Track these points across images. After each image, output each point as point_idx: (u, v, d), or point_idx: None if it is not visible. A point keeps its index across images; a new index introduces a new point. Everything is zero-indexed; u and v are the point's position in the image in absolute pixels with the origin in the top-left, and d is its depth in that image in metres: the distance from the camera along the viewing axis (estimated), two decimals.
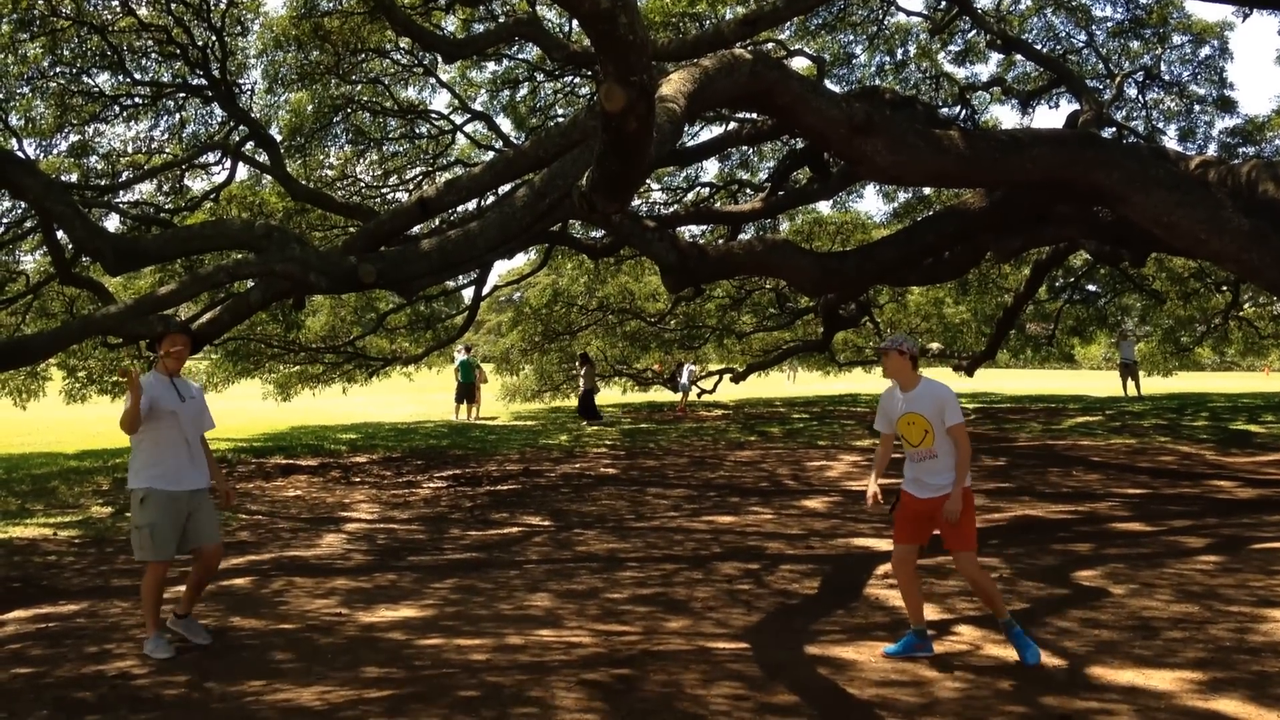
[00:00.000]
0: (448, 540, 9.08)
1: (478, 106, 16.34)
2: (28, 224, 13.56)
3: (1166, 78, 17.24)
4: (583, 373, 23.05)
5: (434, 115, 16.21)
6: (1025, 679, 4.89)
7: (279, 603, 6.84)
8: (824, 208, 20.79)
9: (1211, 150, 16.94)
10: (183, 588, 6.00)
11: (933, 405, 5.47)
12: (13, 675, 5.25)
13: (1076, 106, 12.88)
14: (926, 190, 18.19)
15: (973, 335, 24.95)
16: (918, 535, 5.54)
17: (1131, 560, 7.59)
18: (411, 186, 16.56)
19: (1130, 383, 26.58)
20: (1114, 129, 15.36)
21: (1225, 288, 22.42)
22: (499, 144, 15.56)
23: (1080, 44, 16.94)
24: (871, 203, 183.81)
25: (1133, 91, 17.21)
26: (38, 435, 19.83)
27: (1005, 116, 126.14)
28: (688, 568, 7.71)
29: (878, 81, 16.45)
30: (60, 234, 11.01)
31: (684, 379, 26.36)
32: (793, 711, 4.50)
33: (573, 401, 27.48)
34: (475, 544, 8.89)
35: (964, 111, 16.33)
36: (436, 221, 13.04)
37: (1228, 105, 17.21)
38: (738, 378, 26.52)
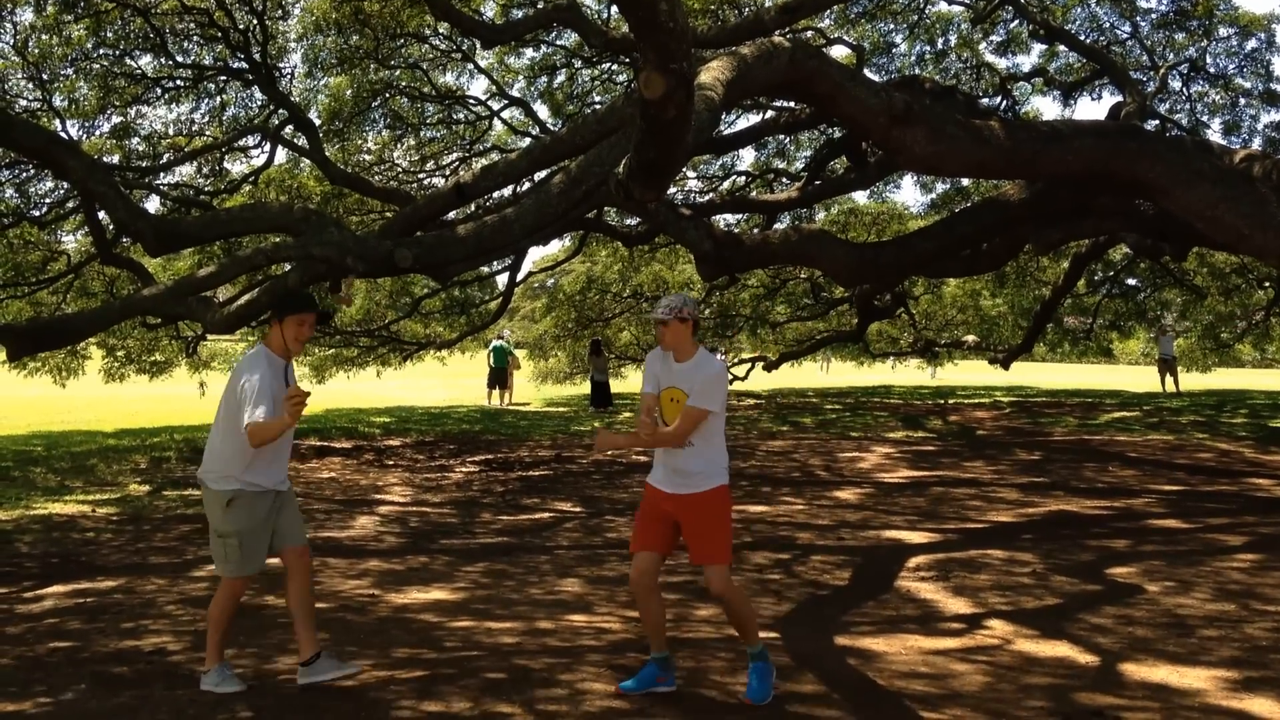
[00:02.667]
0: (479, 524, 9.13)
1: (515, 93, 16.36)
2: (70, 204, 13.71)
3: (1211, 70, 16.97)
4: (594, 361, 23.03)
5: (471, 101, 16.23)
6: (1056, 674, 4.86)
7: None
8: (860, 198, 20.66)
9: (1256, 144, 16.67)
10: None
11: (693, 383, 4.64)
12: (51, 649, 5.33)
13: (1119, 98, 12.72)
14: (965, 181, 18.03)
15: (1009, 328, 24.71)
16: (661, 541, 4.66)
17: (1167, 557, 7.52)
18: (448, 172, 16.59)
19: (1169, 378, 26.27)
20: (1157, 121, 15.15)
21: (1268, 284, 22.08)
22: (536, 130, 15.57)
23: (1124, 35, 16.70)
24: (909, 193, 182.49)
25: (1177, 84, 16.95)
26: (77, 413, 20.12)
27: (1047, 108, 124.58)
28: None
29: (918, 71, 16.31)
30: (102, 215, 11.12)
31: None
32: (820, 701, 4.50)
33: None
34: (506, 529, 8.93)
35: (1005, 102, 16.15)
36: (473, 207, 13.06)
37: (1274, 99, 16.91)
38: (770, 367, 26.44)
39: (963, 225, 10.77)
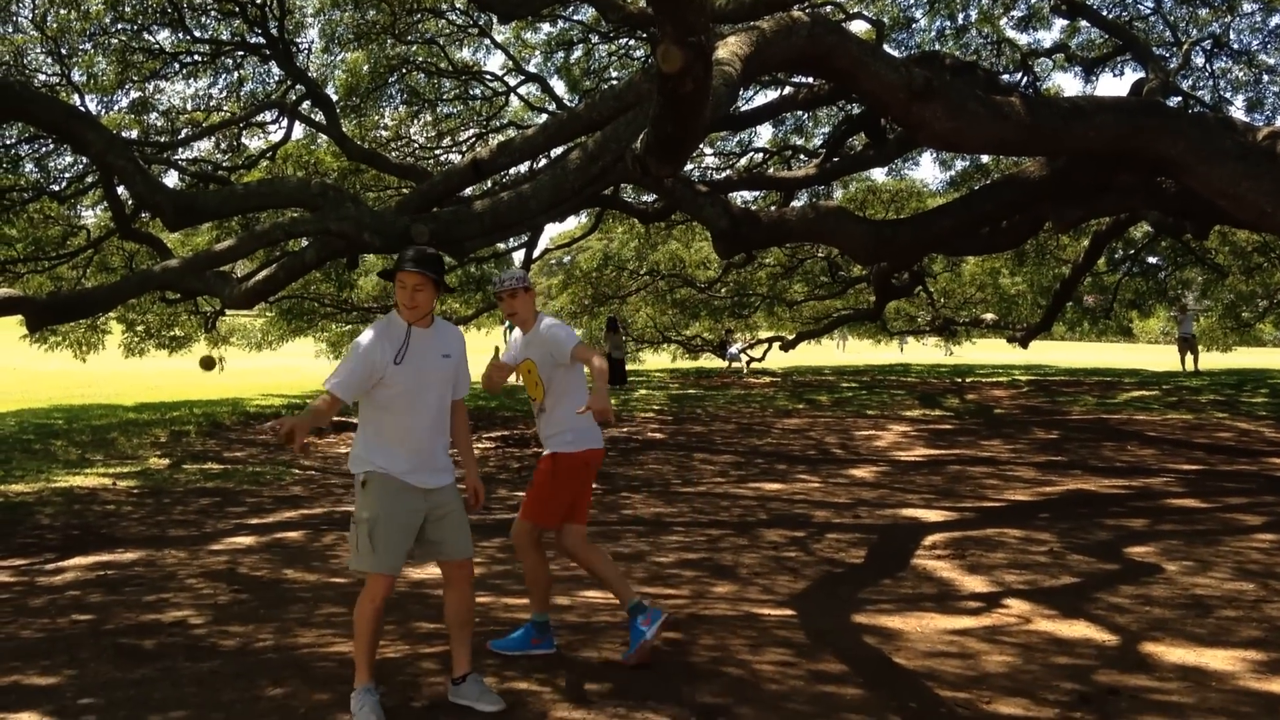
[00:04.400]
0: (495, 500, 9.15)
1: (532, 68, 16.29)
2: (89, 179, 13.75)
3: (1235, 46, 16.75)
4: (610, 339, 23.02)
5: (488, 77, 16.17)
6: (1075, 653, 4.85)
7: (331, 557, 6.95)
8: (879, 175, 20.54)
9: None
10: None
11: (541, 350, 4.82)
12: (73, 621, 5.38)
13: (1142, 74, 12.57)
14: (985, 158, 17.88)
15: (1028, 307, 24.60)
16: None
17: (1186, 537, 7.48)
18: (465, 148, 16.56)
19: (1189, 357, 26.13)
20: (1180, 98, 14.98)
21: None
22: (552, 106, 15.51)
23: (1147, 10, 16.49)
24: (928, 170, 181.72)
25: (1200, 60, 16.74)
26: (97, 387, 20.25)
27: (1068, 84, 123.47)
28: (734, 534, 7.72)
29: (938, 46, 16.16)
30: (121, 189, 11.16)
31: (734, 348, 26.28)
32: (840, 679, 4.50)
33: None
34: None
35: (1026, 78, 15.99)
36: (489, 183, 13.04)
37: None
38: (787, 346, 26.41)
39: (982, 203, 10.69)
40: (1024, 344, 22.72)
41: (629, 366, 27.72)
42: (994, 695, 4.29)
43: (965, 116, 8.04)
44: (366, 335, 4.17)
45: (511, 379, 5.08)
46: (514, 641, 4.83)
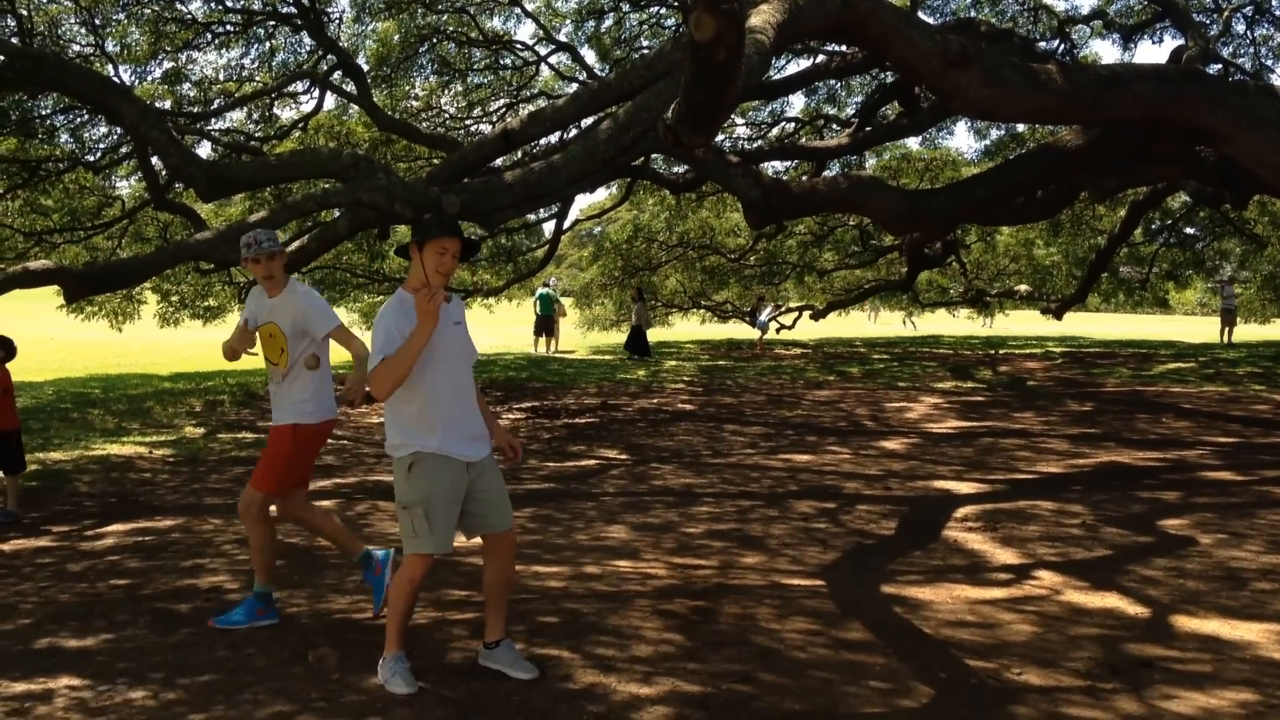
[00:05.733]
0: (526, 470, 9.20)
1: (562, 37, 16.21)
2: (123, 150, 13.86)
3: (1277, 12, 16.42)
4: (635, 308, 23.00)
5: (518, 46, 16.12)
6: (1105, 625, 4.83)
7: (364, 525, 7.01)
8: (913, 143, 20.32)
9: None
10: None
11: (289, 315, 4.78)
12: (112, 586, 5.47)
13: (1181, 41, 12.35)
14: (1020, 127, 17.66)
15: (1063, 278, 24.35)
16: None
17: (1221, 509, 7.42)
18: (495, 118, 16.55)
19: (1228, 330, 25.88)
20: (1220, 66, 14.71)
21: None
22: (583, 76, 15.45)
23: None
24: (962, 139, 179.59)
25: (1241, 27, 16.42)
26: (133, 357, 20.49)
27: (1106, 51, 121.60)
28: (764, 505, 7.73)
29: (973, 13, 15.93)
30: (155, 160, 11.24)
31: (763, 316, 26.20)
32: (866, 648, 4.51)
33: (649, 335, 27.50)
34: (553, 475, 8.99)
35: (1063, 46, 15.75)
36: (519, 154, 13.03)
37: None
38: (817, 315, 26.29)
39: (1017, 172, 10.57)
40: (1058, 316, 22.50)
41: (654, 338, 27.72)
42: (1023, 666, 4.29)
43: (1001, 84, 7.93)
44: (384, 317, 4.06)
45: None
46: (239, 616, 4.75)
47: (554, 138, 13.12)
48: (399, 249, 4.32)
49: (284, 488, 4.89)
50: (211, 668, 4.23)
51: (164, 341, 23.36)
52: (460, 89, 16.71)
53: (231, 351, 4.97)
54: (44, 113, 12.90)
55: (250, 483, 4.83)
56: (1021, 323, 39.52)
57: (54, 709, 3.83)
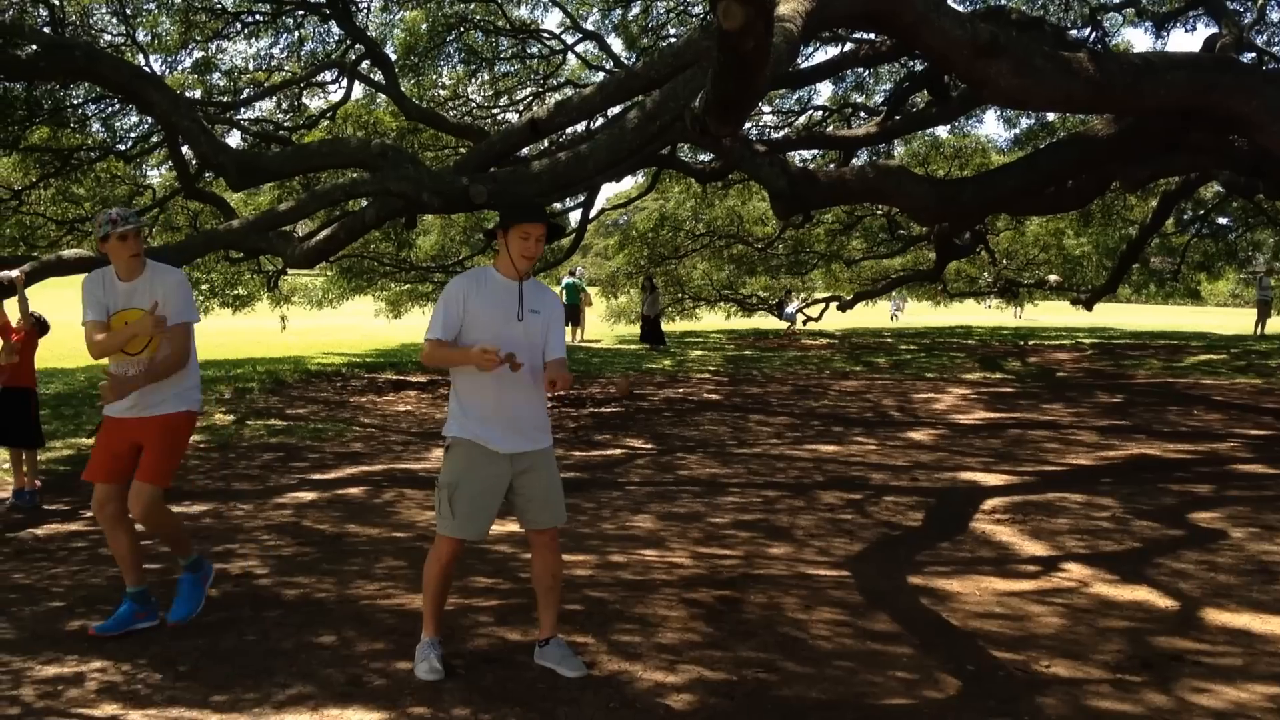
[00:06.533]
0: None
1: (589, 26, 16.20)
2: (154, 139, 13.96)
3: None
4: (647, 299, 22.95)
5: (545, 35, 16.12)
6: (1135, 618, 4.79)
7: (391, 512, 7.05)
8: (941, 131, 20.18)
9: None
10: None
11: (160, 299, 4.45)
12: (144, 570, 5.52)
13: (1215, 30, 12.21)
14: (1051, 116, 17.51)
15: (1093, 268, 24.16)
16: (120, 471, 4.52)
17: (1253, 503, 7.34)
18: (522, 107, 16.55)
19: (1263, 321, 25.68)
20: (1254, 54, 14.52)
21: None
22: (610, 65, 15.43)
23: None
24: (992, 128, 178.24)
25: (1276, 14, 16.19)
26: None
27: (1138, 40, 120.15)
28: (789, 495, 7.71)
29: (1004, 1, 15.80)
30: (185, 149, 11.32)
31: (790, 308, 26.14)
32: (893, 639, 4.49)
33: (675, 326, 27.51)
34: (578, 464, 9.01)
35: (1094, 34, 15.57)
36: (546, 143, 13.03)
37: None
38: (845, 306, 26.19)
39: (1047, 161, 10.48)
40: (1088, 306, 22.34)
41: (679, 329, 27.69)
42: (1051, 658, 4.27)
43: (1032, 73, 7.86)
44: (456, 288, 4.06)
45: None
46: (120, 621, 4.50)
47: (581, 127, 13.10)
48: (486, 233, 4.32)
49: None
50: (240, 652, 4.27)
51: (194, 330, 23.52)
52: (487, 78, 16.73)
53: (102, 345, 4.47)
54: (76, 102, 13.00)
55: (150, 480, 4.45)
56: (1051, 313, 39.23)
57: (85, 692, 3.88)
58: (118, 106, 13.39)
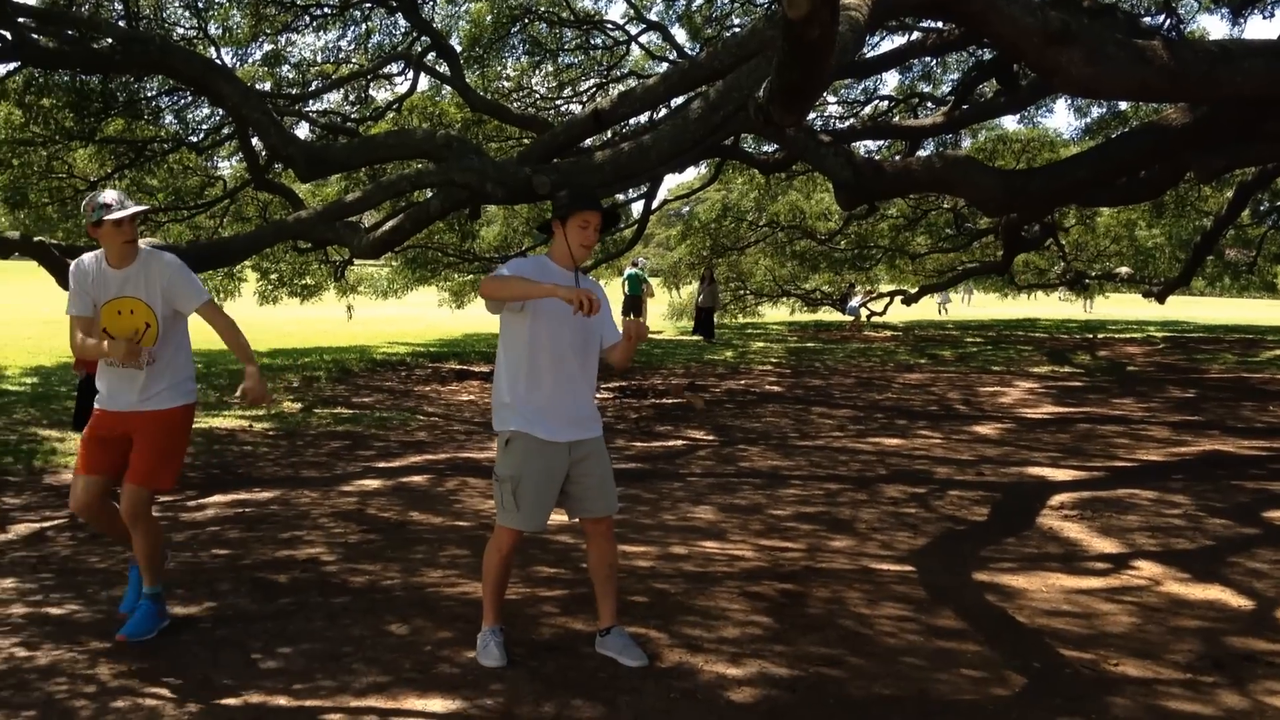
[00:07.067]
0: (612, 450, 9.22)
1: (653, 16, 16.18)
2: (225, 130, 14.20)
3: None
4: (705, 290, 22.81)
5: (609, 26, 16.13)
6: (1207, 617, 4.69)
7: (454, 501, 7.12)
8: (1009, 124, 19.89)
9: None
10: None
11: (157, 286, 4.27)
12: (213, 555, 5.64)
13: None
14: (1123, 105, 17.18)
15: (1166, 260, 23.65)
16: (108, 464, 4.33)
17: None
18: (585, 98, 16.59)
19: None
20: None
21: None
22: (674, 55, 15.40)
23: None
24: (1062, 118, 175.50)
25: None
26: None
27: (1214, 27, 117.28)
28: (852, 488, 7.66)
29: None
30: (255, 141, 11.49)
31: (854, 302, 25.92)
32: (959, 636, 4.44)
33: (734, 319, 27.39)
34: (640, 455, 9.02)
35: (1169, 21, 15.23)
36: (609, 134, 13.04)
37: None
38: (909, 300, 25.92)
39: (1120, 151, 10.26)
40: (1161, 299, 21.89)
41: (742, 322, 27.58)
42: (1120, 657, 4.19)
43: (1104, 61, 7.70)
44: (527, 261, 4.08)
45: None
46: (144, 624, 4.31)
47: (644, 117, 13.10)
48: (541, 226, 4.26)
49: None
50: (309, 636, 4.34)
51: (263, 318, 23.95)
52: (551, 69, 16.80)
53: (93, 350, 4.26)
54: (150, 95, 13.27)
55: (140, 482, 4.27)
56: (1122, 306, 38.48)
57: (158, 671, 3.97)
58: (190, 99, 13.64)
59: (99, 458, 4.32)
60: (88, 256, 4.34)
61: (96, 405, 4.38)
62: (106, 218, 4.15)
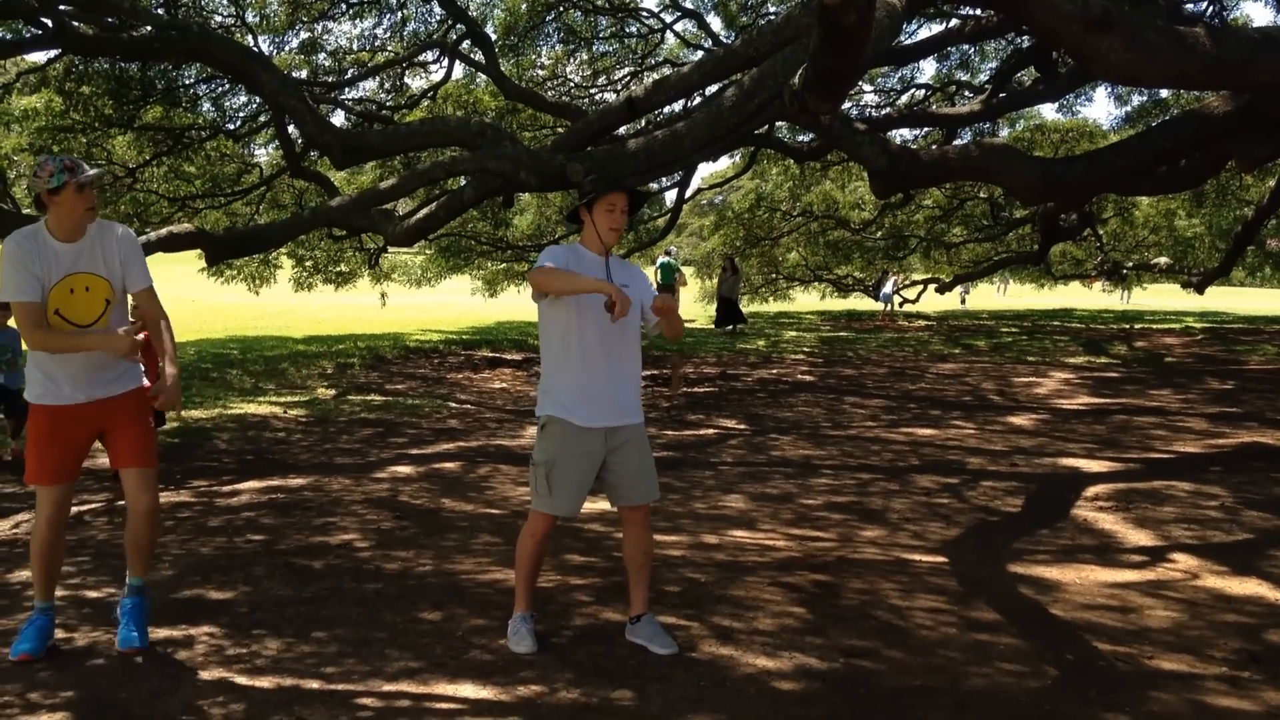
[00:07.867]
0: None
1: (688, 4, 16.11)
2: (262, 118, 14.30)
3: None
4: (728, 279, 22.73)
5: (644, 14, 16.08)
6: (1246, 612, 4.63)
7: (486, 488, 7.15)
8: (1048, 113, 19.67)
9: None
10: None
11: (115, 260, 3.91)
12: (248, 540, 5.69)
13: None
14: (1164, 93, 16.93)
15: (1206, 250, 23.33)
16: (74, 467, 3.99)
17: None
18: (620, 87, 16.56)
19: None
20: None
21: None
22: (708, 43, 15.33)
23: None
24: (1101, 106, 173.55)
25: None
26: (269, 319, 21.22)
27: (1258, 14, 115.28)
28: (884, 478, 7.62)
29: None
30: (292, 128, 11.56)
31: (887, 288, 25.77)
32: (995, 628, 4.41)
33: (769, 306, 27.31)
34: (671, 443, 9.02)
35: (1211, 8, 15.00)
36: (643, 122, 13.02)
37: None
38: (944, 289, 25.75)
39: (1160, 139, 10.13)
40: (1200, 289, 21.59)
41: (772, 309, 27.48)
42: (1156, 650, 4.15)
43: (1145, 48, 7.60)
44: (560, 249, 4.07)
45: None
46: (142, 620, 4.06)
47: (678, 105, 13.06)
48: (569, 215, 4.29)
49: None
50: (342, 621, 4.37)
51: (298, 305, 24.13)
52: (585, 57, 16.77)
53: (48, 345, 3.85)
54: (188, 82, 13.38)
55: (150, 464, 4.02)
56: (1160, 297, 38.05)
57: (194, 654, 4.01)
58: (227, 86, 13.74)
59: (66, 461, 3.94)
60: (23, 231, 3.82)
61: (41, 402, 3.90)
62: (71, 180, 3.73)
